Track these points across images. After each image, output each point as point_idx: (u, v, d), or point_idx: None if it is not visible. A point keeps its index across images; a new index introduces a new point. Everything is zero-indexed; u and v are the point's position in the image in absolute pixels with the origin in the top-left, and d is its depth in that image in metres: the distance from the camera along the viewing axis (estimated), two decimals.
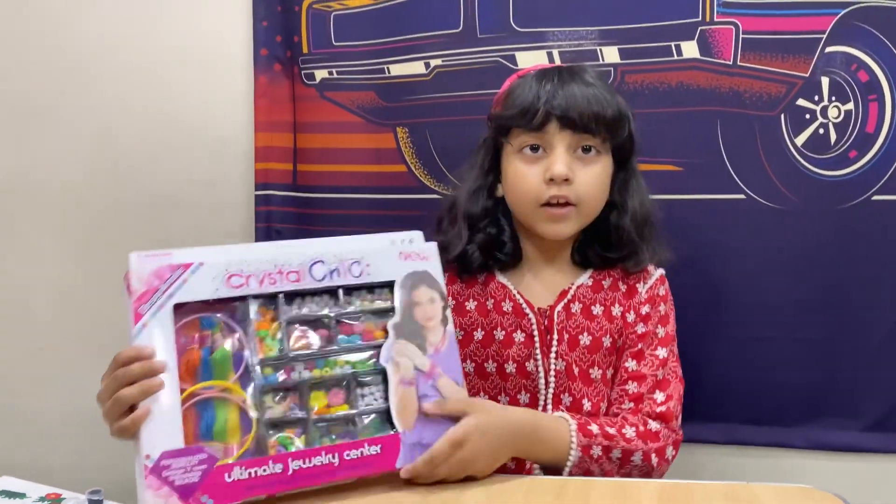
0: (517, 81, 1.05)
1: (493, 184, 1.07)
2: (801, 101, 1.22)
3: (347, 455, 0.83)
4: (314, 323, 0.88)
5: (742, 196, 1.25)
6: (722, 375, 1.27)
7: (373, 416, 0.87)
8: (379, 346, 0.88)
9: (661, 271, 1.11)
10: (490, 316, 1.07)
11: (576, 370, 1.04)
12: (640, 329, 1.06)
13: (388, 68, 1.35)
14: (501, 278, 1.08)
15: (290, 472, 0.80)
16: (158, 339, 0.79)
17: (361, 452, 0.83)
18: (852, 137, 1.21)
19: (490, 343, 1.06)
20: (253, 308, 0.85)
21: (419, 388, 0.88)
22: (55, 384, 1.56)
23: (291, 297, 0.87)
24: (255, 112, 1.39)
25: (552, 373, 1.05)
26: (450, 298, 1.06)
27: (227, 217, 1.43)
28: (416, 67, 1.33)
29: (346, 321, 0.89)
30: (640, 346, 1.05)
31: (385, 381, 0.88)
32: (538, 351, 1.05)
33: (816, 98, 1.21)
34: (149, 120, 1.44)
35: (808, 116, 1.22)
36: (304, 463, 0.81)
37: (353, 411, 0.86)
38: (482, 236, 1.06)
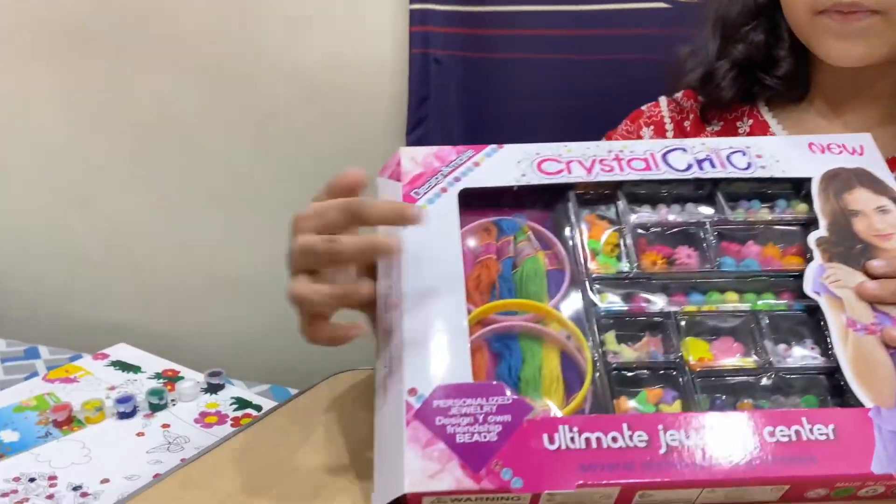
0: None
1: None
2: None
3: (771, 434, 0.42)
4: (676, 237, 0.53)
5: None
6: None
7: (801, 383, 0.47)
8: (793, 276, 0.50)
9: None
10: None
11: None
12: None
13: None
14: (778, 129, 0.69)
15: (664, 448, 0.42)
16: (433, 229, 0.50)
17: (797, 433, 0.43)
18: None
19: None
20: (577, 210, 0.54)
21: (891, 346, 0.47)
22: (184, 239, 1.26)
23: (636, 201, 0.55)
24: None
25: None
26: None
27: (373, 39, 1.07)
28: None
29: (734, 239, 0.53)
30: None
31: (816, 328, 0.48)
32: None
33: None
34: None
35: None
36: (686, 437, 0.42)
37: (767, 367, 0.47)
38: (742, 48, 0.68)
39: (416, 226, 0.48)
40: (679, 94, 0.76)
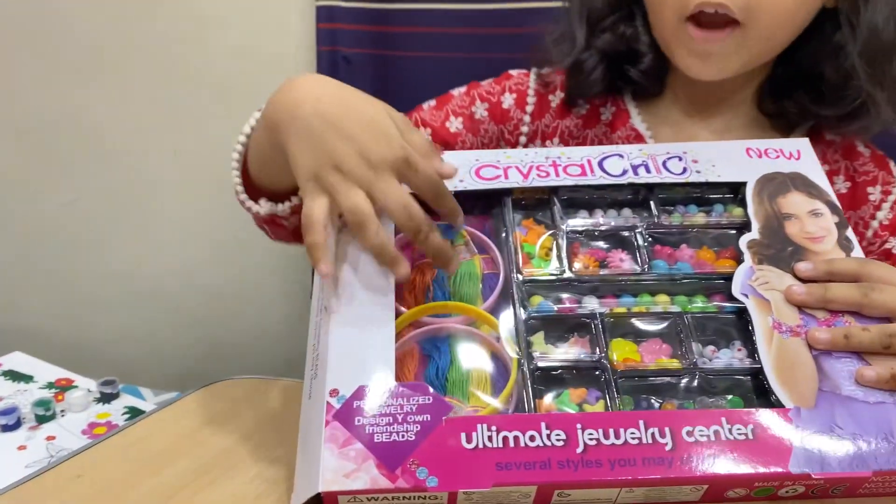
0: None
1: None
2: None
3: (689, 434, 0.43)
4: (610, 241, 0.54)
5: None
6: None
7: (726, 383, 0.48)
8: (724, 279, 0.51)
9: None
10: None
11: None
12: None
13: None
14: (637, 121, 0.70)
15: (581, 447, 0.42)
16: None
17: (716, 433, 0.43)
18: None
19: None
20: (512, 215, 0.55)
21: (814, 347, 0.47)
22: (93, 243, 1.18)
23: (572, 207, 0.56)
24: None
25: None
26: (556, 140, 0.71)
27: (281, 40, 1.05)
28: None
29: (667, 243, 0.54)
30: None
31: (745, 329, 0.49)
32: None
33: None
34: None
35: None
36: (604, 437, 0.42)
37: (693, 366, 0.48)
38: (608, 38, 0.67)
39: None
40: (550, 70, 0.74)
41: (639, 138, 0.69)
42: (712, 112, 0.69)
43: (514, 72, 0.74)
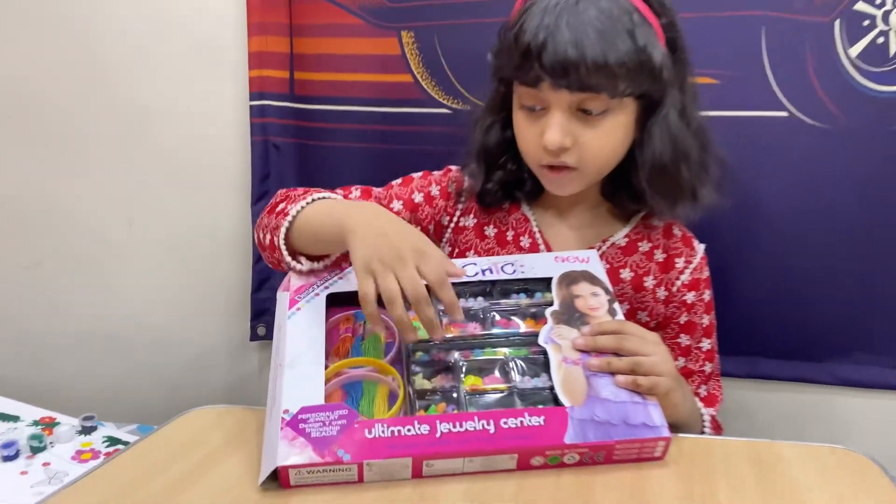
0: (527, 5, 0.83)
1: (508, 118, 0.92)
2: (859, 6, 1.04)
3: (504, 423, 0.70)
4: (469, 317, 0.83)
5: (784, 113, 1.11)
6: (750, 306, 1.16)
7: (535, 397, 0.75)
8: (537, 335, 0.80)
9: (703, 248, 0.99)
10: (508, 248, 0.98)
11: None
12: (683, 318, 0.97)
13: None
14: (526, 209, 0.99)
15: (439, 434, 0.69)
16: (307, 318, 0.79)
17: (521, 422, 0.70)
18: None
19: None
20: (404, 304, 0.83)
21: (586, 371, 0.76)
22: (57, 299, 1.37)
23: None
24: (248, 13, 1.23)
25: None
26: (472, 216, 1.00)
27: (221, 130, 1.29)
28: None
29: (504, 317, 0.83)
30: (684, 338, 0.97)
31: (549, 365, 0.77)
32: None
33: (878, 1, 1.04)
34: (134, 25, 1.29)
35: (866, 23, 1.05)
36: (453, 427, 0.69)
37: (513, 387, 0.75)
38: (501, 174, 0.96)
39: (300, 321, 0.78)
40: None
41: (526, 221, 0.97)
42: (573, 212, 0.97)
43: (454, 167, 1.01)
